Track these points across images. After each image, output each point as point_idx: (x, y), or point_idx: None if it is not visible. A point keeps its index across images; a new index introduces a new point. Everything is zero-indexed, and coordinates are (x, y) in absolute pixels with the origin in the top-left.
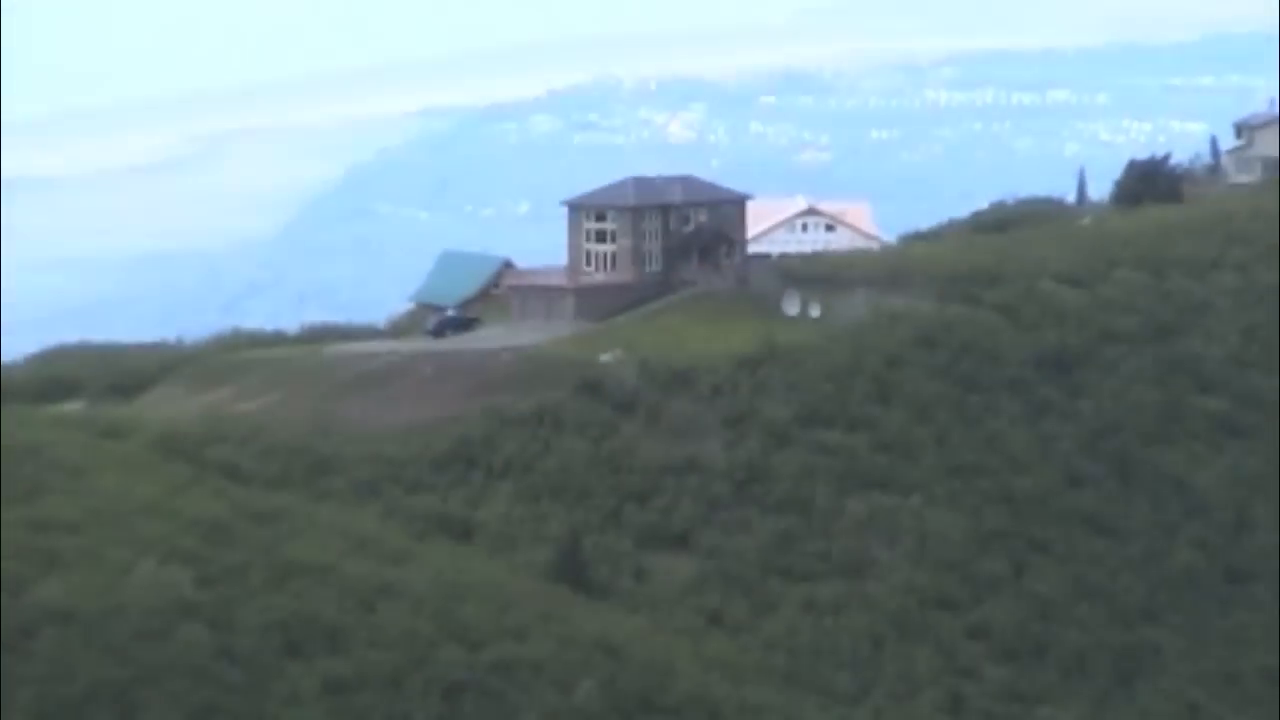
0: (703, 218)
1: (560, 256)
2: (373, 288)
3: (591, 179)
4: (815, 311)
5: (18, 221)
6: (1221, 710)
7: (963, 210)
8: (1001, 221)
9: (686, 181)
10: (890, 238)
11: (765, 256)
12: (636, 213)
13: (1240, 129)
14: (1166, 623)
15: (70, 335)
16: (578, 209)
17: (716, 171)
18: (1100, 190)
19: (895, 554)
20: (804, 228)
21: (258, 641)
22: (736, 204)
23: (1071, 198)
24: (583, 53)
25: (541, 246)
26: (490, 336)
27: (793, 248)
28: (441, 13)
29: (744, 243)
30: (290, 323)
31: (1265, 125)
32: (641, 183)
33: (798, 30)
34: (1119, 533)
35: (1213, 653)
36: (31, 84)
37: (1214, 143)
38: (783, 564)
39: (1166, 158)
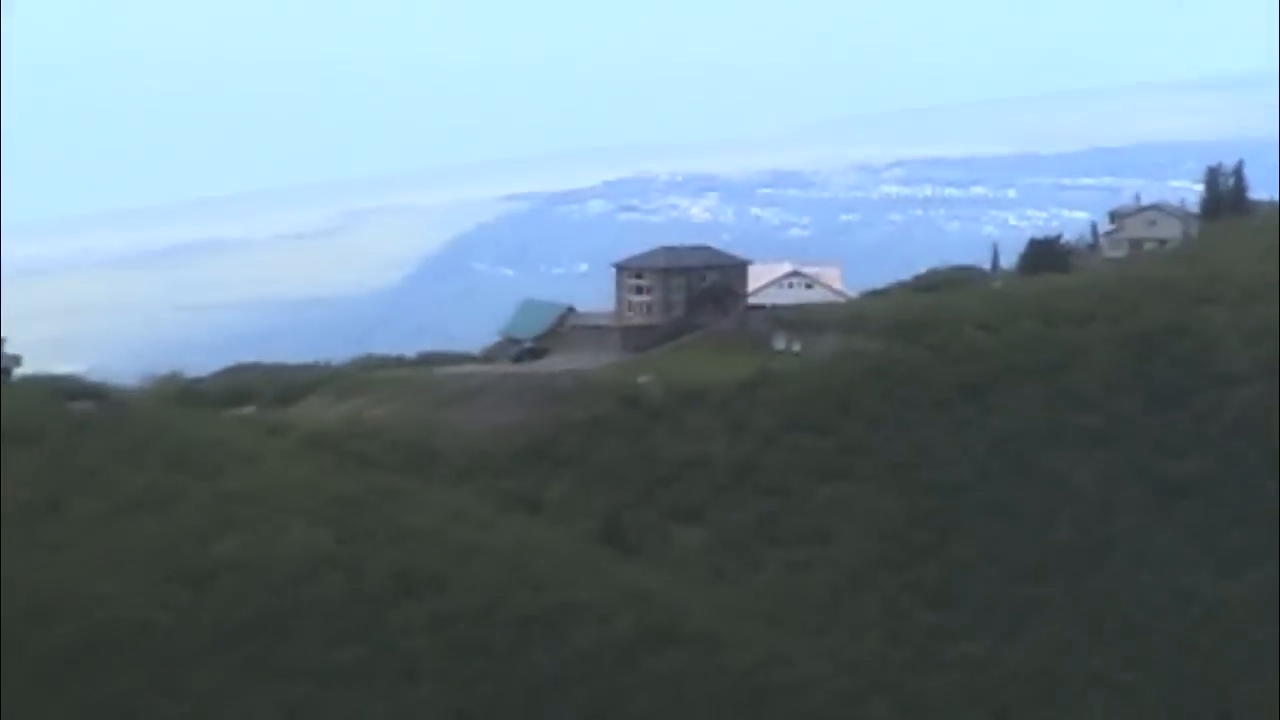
0: (715, 277)
1: (609, 304)
2: (470, 325)
3: (633, 248)
4: (796, 347)
5: (213, 273)
6: (1089, 648)
7: (907, 274)
8: (934, 284)
9: (703, 251)
10: (854, 294)
11: (760, 307)
12: (665, 273)
13: (1113, 217)
14: (1050, 583)
15: (247, 357)
16: (622, 270)
17: (725, 244)
18: (1008, 261)
19: (851, 527)
20: (789, 286)
21: (380, 585)
22: (739, 267)
23: (987, 267)
24: (629, 155)
25: (596, 297)
26: (556, 363)
27: (781, 300)
28: (524, 122)
29: (745, 296)
30: (409, 350)
31: (1132, 214)
32: (670, 251)
33: (788, 141)
34: (1016, 515)
35: (1083, 606)
36: (221, 168)
37: (1094, 227)
38: (769, 534)
39: (1058, 238)
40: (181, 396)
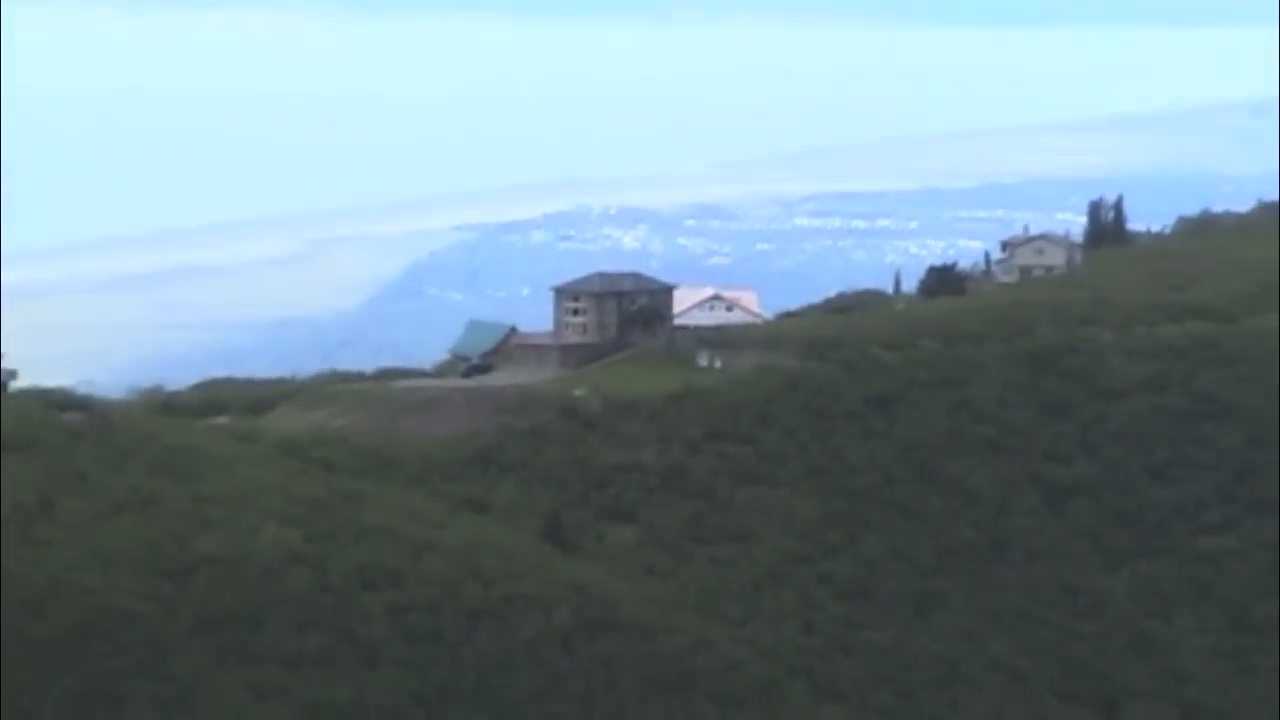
0: (644, 300)
1: (549, 325)
2: (424, 344)
3: (570, 274)
4: (719, 364)
5: (192, 295)
6: (986, 636)
7: (818, 298)
8: (843, 307)
9: (633, 277)
10: (770, 316)
11: (685, 327)
12: (600, 297)
13: (1005, 246)
14: (951, 577)
15: (222, 372)
16: (561, 293)
17: (653, 270)
18: (910, 286)
19: (770, 527)
20: (711, 308)
21: (344, 579)
22: (666, 292)
23: (891, 291)
24: (567, 189)
25: (537, 319)
26: (501, 378)
27: (704, 321)
28: (472, 158)
29: (671, 318)
30: (369, 366)
31: (1022, 244)
32: (603, 277)
33: (711, 177)
34: (920, 515)
35: (981, 598)
36: (200, 199)
37: (987, 256)
38: (695, 533)
39: (954, 265)
40: (162, 408)
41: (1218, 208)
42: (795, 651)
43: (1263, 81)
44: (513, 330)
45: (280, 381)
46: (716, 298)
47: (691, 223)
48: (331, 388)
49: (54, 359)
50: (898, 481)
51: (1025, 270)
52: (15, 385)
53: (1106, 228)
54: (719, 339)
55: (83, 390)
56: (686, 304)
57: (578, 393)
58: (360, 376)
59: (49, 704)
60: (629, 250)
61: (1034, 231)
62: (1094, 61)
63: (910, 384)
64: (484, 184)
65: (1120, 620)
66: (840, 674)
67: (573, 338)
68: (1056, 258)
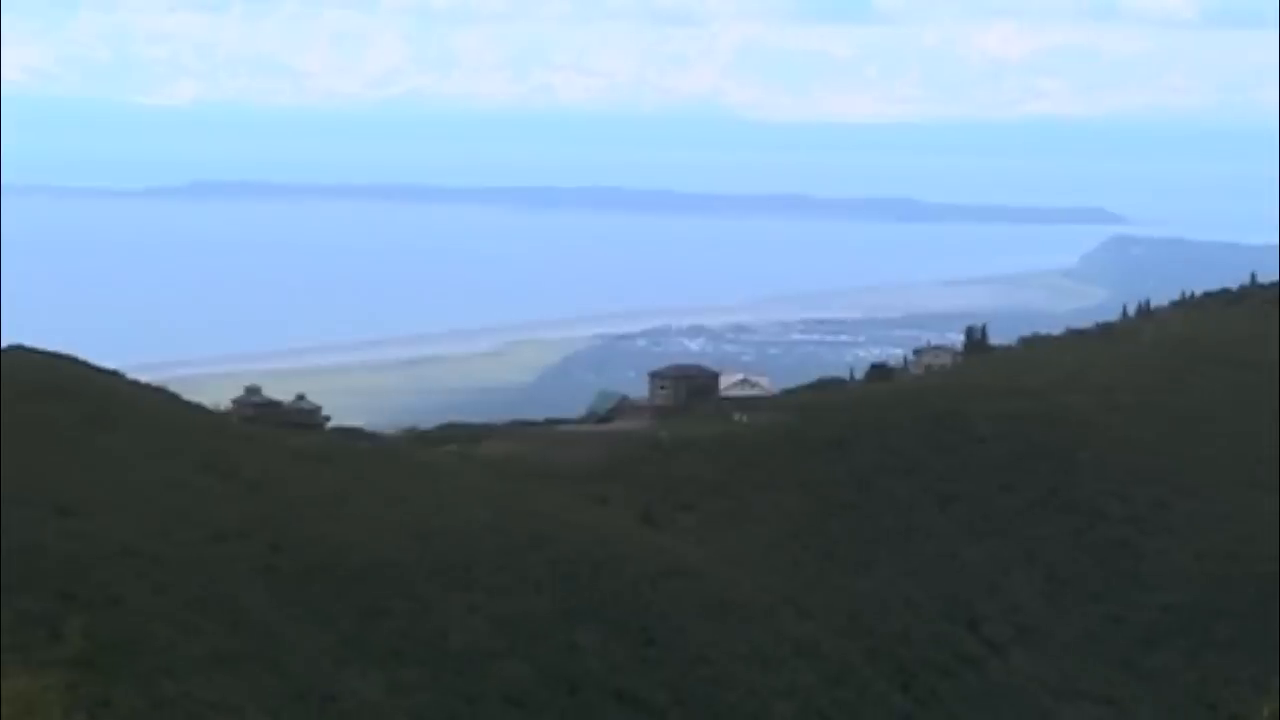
0: (702, 381)
1: (646, 395)
2: (572, 407)
3: (659, 365)
4: (745, 419)
5: (435, 373)
6: (898, 577)
7: (806, 382)
8: (820, 387)
9: (696, 368)
10: (776, 391)
11: (726, 398)
12: (676, 379)
13: (916, 352)
14: (881, 546)
15: (452, 419)
16: (654, 376)
17: (708, 363)
18: (860, 375)
19: (774, 515)
20: (741, 387)
21: (518, 542)
22: (714, 376)
23: (847, 378)
24: (657, 314)
25: (639, 392)
26: (617, 426)
27: (736, 394)
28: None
29: (718, 391)
30: (539, 418)
31: (926, 351)
32: (678, 368)
33: (742, 308)
34: (862, 511)
35: (899, 559)
36: (441, 311)
37: (905, 358)
38: (730, 518)
39: (886, 363)
40: (417, 439)
41: (1043, 331)
42: (786, 588)
43: (1071, 256)
44: (625, 398)
45: (486, 426)
46: (745, 380)
47: (730, 335)
48: (516, 431)
49: (349, 408)
50: (847, 490)
51: (929, 367)
52: (329, 425)
53: (976, 342)
54: (745, 405)
55: (369, 429)
56: (726, 384)
57: (661, 434)
58: (533, 423)
59: (346, 613)
60: (694, 352)
61: (934, 344)
62: (968, 243)
63: (857, 432)
64: (609, 309)
65: (978, 574)
66: (814, 604)
67: (659, 403)
68: (945, 359)
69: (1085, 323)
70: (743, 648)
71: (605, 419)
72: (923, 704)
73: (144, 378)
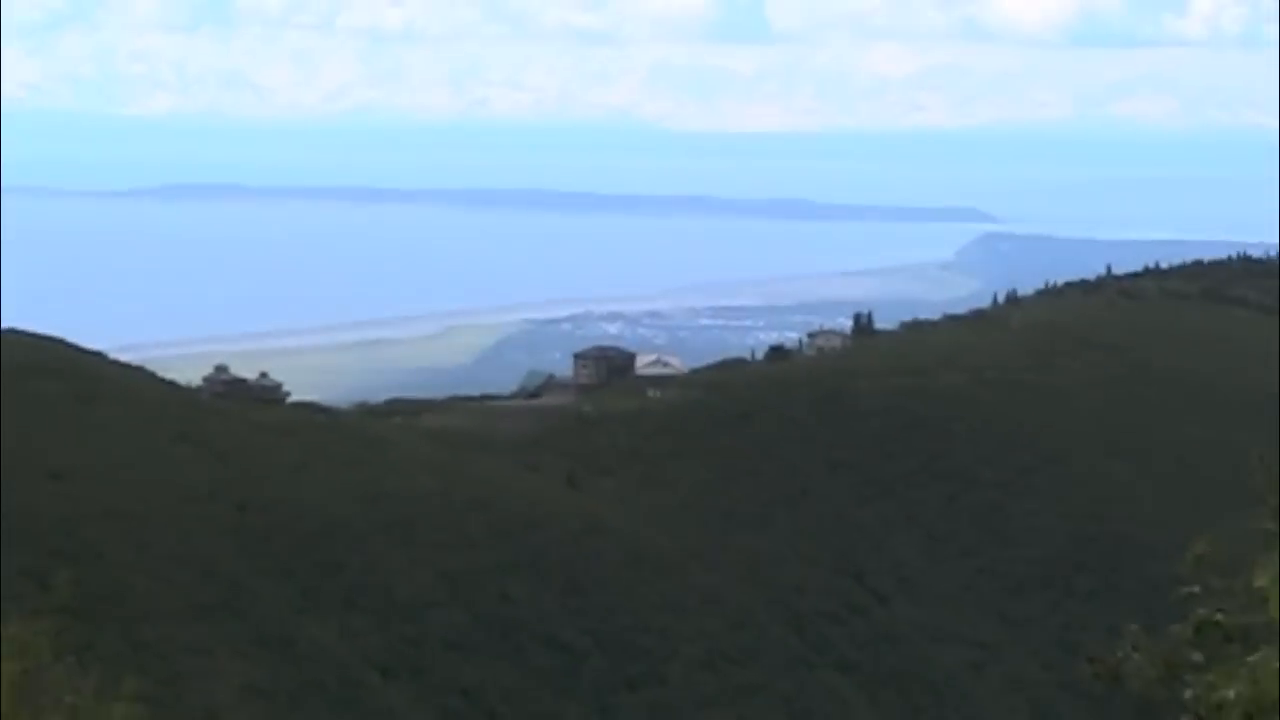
0: (620, 361)
1: (571, 374)
2: (504, 385)
3: (581, 347)
4: (658, 394)
5: (384, 354)
6: (788, 527)
7: (712, 362)
8: (726, 366)
9: (615, 349)
10: (686, 370)
11: (641, 376)
12: (597, 360)
13: (810, 335)
14: (775, 505)
15: (396, 394)
16: (578, 358)
17: (625, 345)
18: (760, 356)
19: (684, 476)
20: (655, 365)
21: (458, 504)
22: (631, 356)
23: (749, 359)
24: (579, 302)
25: (566, 372)
26: (545, 401)
27: (651, 373)
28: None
29: (634, 370)
30: (476, 394)
31: (820, 334)
32: (599, 349)
33: (656, 296)
34: (760, 474)
35: (790, 515)
36: (386, 297)
37: (800, 340)
38: (645, 480)
39: (783, 345)
40: (366, 413)
41: (922, 317)
42: (695, 544)
43: (947, 251)
44: (552, 376)
45: (428, 402)
46: (658, 360)
47: (646, 321)
48: (456, 405)
49: (307, 385)
50: (748, 458)
51: (821, 349)
52: (290, 400)
53: (863, 327)
54: (658, 382)
55: (325, 403)
56: (642, 363)
57: (584, 409)
58: (471, 399)
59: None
60: (612, 335)
61: (825, 329)
62: (856, 239)
63: (757, 406)
64: (537, 298)
65: (864, 533)
66: (719, 558)
67: (582, 380)
68: (836, 342)
69: (960, 310)
70: (655, 597)
71: (535, 395)
72: (815, 648)
73: (125, 357)
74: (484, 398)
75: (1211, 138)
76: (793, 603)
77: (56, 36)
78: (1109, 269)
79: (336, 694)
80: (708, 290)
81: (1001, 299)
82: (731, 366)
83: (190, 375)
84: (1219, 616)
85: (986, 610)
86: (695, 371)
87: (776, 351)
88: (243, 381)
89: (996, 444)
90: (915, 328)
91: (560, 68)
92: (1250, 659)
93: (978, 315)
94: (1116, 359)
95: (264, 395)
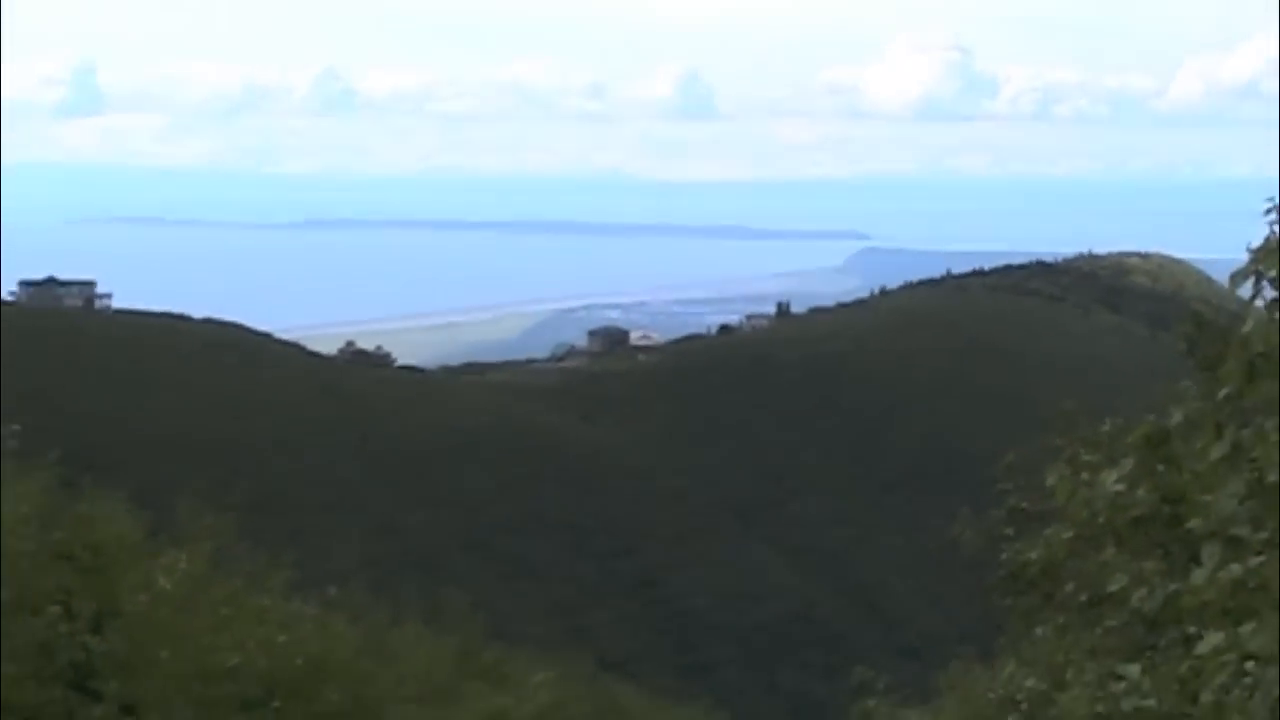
0: (618, 336)
1: (585, 345)
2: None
3: (592, 327)
4: (645, 358)
5: (396, 348)
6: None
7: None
8: (689, 339)
9: (616, 328)
10: (664, 341)
11: (634, 346)
12: (603, 335)
13: (748, 318)
14: (708, 459)
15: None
16: (590, 334)
17: (623, 325)
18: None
19: (647, 427)
20: (642, 339)
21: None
22: (626, 333)
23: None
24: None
25: (581, 343)
26: (567, 363)
27: (639, 344)
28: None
29: (629, 342)
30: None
31: (743, 323)
32: (605, 328)
33: (643, 292)
34: (703, 432)
35: (718, 474)
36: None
37: (740, 322)
38: (619, 424)
39: (728, 325)
40: (449, 371)
41: (822, 305)
42: (667, 458)
43: (839, 260)
44: (572, 347)
45: (489, 364)
46: (644, 335)
47: (636, 309)
48: (507, 366)
49: (406, 356)
50: (705, 401)
51: (754, 327)
52: (396, 364)
53: (783, 311)
54: (645, 350)
55: (420, 365)
56: (634, 338)
57: (593, 369)
58: (517, 363)
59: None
60: (613, 318)
61: (758, 313)
62: (777, 252)
63: (712, 365)
64: (561, 294)
65: (784, 449)
66: (682, 466)
67: (593, 349)
68: (764, 323)
69: (847, 300)
70: (639, 494)
71: (561, 359)
72: (749, 526)
73: (284, 336)
74: (527, 361)
75: (1016, 184)
76: (733, 497)
77: (232, 119)
78: (948, 271)
79: (429, 565)
80: (677, 288)
81: (876, 292)
82: (694, 339)
83: (329, 348)
84: (1024, 504)
85: (870, 502)
86: (670, 342)
87: (724, 329)
88: (365, 352)
89: (873, 389)
90: (818, 312)
91: (574, 137)
92: (1045, 532)
93: (859, 303)
94: (954, 333)
95: (379, 361)
